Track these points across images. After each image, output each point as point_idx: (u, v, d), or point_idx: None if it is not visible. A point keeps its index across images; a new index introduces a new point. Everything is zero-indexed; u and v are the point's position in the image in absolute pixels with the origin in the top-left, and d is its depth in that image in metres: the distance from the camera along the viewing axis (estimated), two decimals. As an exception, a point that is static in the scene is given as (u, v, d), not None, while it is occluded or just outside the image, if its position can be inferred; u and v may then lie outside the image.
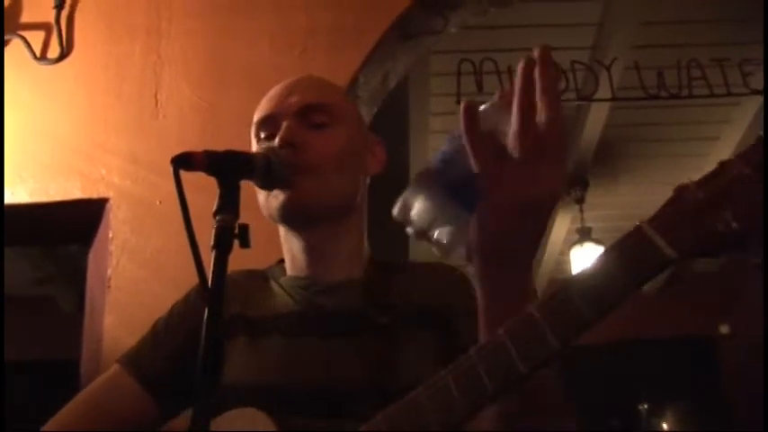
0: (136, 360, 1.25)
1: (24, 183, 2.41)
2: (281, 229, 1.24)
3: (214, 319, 0.82)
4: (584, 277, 0.80)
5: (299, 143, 1.14)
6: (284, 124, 1.17)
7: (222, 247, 0.88)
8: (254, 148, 1.22)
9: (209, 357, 0.79)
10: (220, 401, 1.01)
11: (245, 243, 0.90)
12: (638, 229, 0.80)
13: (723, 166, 0.76)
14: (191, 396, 1.00)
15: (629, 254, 0.79)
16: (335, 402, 1.06)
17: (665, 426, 6.83)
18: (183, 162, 0.93)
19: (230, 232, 0.90)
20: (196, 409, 0.79)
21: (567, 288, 0.78)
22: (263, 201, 1.18)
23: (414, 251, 5.83)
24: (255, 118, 1.24)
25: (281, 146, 1.13)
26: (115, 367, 1.27)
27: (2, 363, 2.46)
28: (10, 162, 2.43)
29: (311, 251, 1.20)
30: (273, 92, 1.26)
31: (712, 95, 3.65)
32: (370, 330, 1.13)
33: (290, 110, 1.19)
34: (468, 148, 0.87)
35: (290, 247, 1.23)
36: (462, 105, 0.89)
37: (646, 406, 6.83)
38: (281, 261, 1.28)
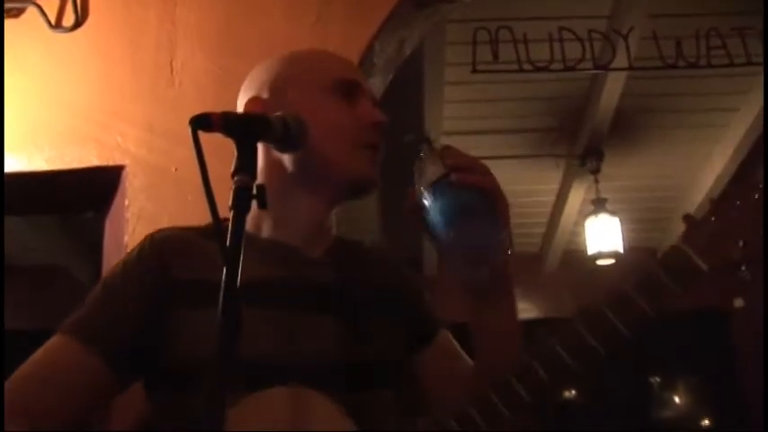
0: (93, 332, 1.14)
1: (40, 151, 2.42)
2: (288, 194, 1.20)
3: (232, 280, 0.82)
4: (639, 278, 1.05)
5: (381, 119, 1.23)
6: (374, 107, 1.23)
7: (240, 208, 0.88)
8: (332, 100, 1.21)
9: (229, 323, 0.79)
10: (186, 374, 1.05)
11: (263, 204, 0.90)
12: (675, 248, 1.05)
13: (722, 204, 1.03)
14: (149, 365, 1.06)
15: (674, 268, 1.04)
16: (315, 374, 1.07)
17: (677, 399, 6.84)
18: (201, 122, 0.93)
19: (248, 192, 0.90)
20: (215, 379, 0.78)
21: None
22: (338, 157, 1.19)
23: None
24: (335, 73, 1.23)
25: (383, 124, 1.21)
26: (62, 339, 1.14)
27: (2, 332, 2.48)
28: (25, 130, 2.43)
29: (320, 223, 1.23)
30: (342, 58, 1.31)
31: (732, 65, 3.60)
32: (346, 306, 1.17)
33: (373, 96, 1.26)
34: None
35: (297, 213, 1.21)
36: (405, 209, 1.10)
37: (658, 379, 6.84)
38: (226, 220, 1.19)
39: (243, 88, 1.30)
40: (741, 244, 0.98)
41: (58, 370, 1.11)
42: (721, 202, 1.02)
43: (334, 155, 1.18)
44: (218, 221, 0.86)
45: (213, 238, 1.03)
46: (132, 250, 1.23)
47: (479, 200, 1.08)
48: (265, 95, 1.23)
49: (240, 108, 1.27)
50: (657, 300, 1.00)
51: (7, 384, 1.10)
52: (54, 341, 1.14)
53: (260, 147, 1.09)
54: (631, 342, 1.01)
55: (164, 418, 1.11)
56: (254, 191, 0.90)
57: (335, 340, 1.12)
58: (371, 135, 1.20)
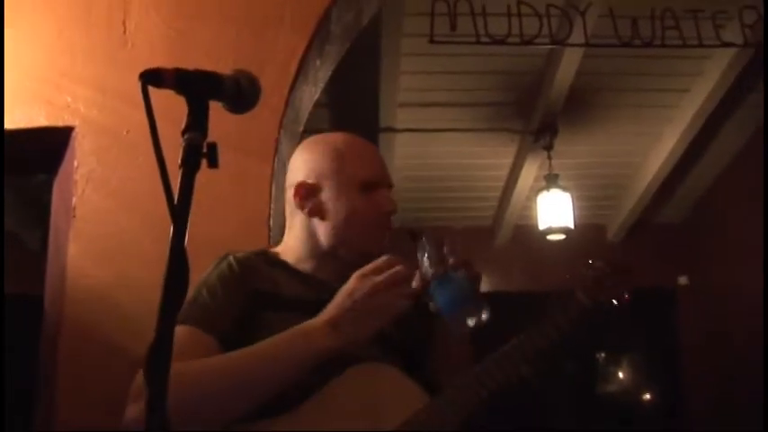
0: (211, 324, 1.40)
1: (-12, 109, 2.36)
2: (319, 254, 1.56)
3: (180, 237, 0.81)
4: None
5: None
6: (388, 194, 1.57)
7: (190, 165, 0.87)
8: (356, 194, 1.54)
9: (174, 273, 0.79)
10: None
11: (213, 162, 0.90)
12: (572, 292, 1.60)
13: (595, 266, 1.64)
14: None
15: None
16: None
17: (620, 374, 6.99)
18: (152, 78, 0.92)
19: (198, 150, 0.89)
20: (160, 325, 0.80)
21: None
22: (352, 237, 1.54)
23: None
24: (367, 174, 1.56)
25: (391, 212, 1.55)
26: (190, 330, 1.38)
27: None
28: (-28, 89, 2.37)
29: (343, 275, 1.47)
30: (372, 153, 1.63)
31: (685, 46, 3.66)
32: None
33: (388, 182, 1.59)
34: None
35: (333, 266, 1.55)
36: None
37: (603, 355, 6.97)
38: (269, 247, 1.69)
39: (291, 167, 1.63)
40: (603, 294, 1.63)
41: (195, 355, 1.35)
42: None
43: (354, 237, 1.53)
44: (165, 175, 0.85)
45: (271, 263, 1.54)
46: (221, 267, 1.51)
47: (472, 289, 1.40)
48: (311, 181, 1.56)
49: (290, 188, 1.59)
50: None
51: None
52: (183, 331, 1.33)
53: (300, 217, 1.56)
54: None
55: None
56: (205, 149, 0.90)
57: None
58: (383, 221, 1.55)
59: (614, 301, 1.63)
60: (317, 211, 1.54)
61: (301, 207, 1.55)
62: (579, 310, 1.56)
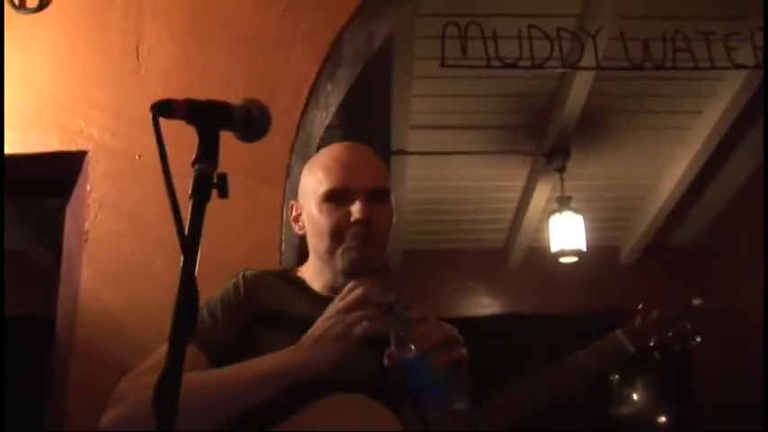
0: (205, 341, 1.41)
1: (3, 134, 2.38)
2: (328, 265, 1.53)
3: (190, 267, 0.81)
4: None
5: (370, 220, 1.48)
6: (360, 203, 1.48)
7: (200, 196, 0.88)
8: (321, 207, 1.51)
9: (184, 303, 0.79)
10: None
11: (223, 193, 0.90)
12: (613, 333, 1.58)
13: (647, 309, 1.62)
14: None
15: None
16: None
17: (634, 396, 6.93)
18: (163, 108, 0.92)
19: (208, 181, 0.89)
20: (171, 353, 0.80)
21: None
22: (328, 251, 1.50)
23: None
24: (327, 185, 1.50)
25: (359, 221, 1.46)
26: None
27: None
28: (-12, 113, 2.39)
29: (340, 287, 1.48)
30: (344, 161, 1.54)
31: (696, 68, 3.65)
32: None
33: (362, 189, 1.49)
34: None
35: (333, 279, 1.53)
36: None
37: (616, 377, 6.92)
38: (293, 269, 1.65)
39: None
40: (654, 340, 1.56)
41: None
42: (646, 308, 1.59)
43: (323, 254, 1.51)
44: (176, 207, 0.85)
45: (286, 281, 1.55)
46: (227, 286, 1.52)
47: (448, 377, 1.32)
48: (297, 201, 1.60)
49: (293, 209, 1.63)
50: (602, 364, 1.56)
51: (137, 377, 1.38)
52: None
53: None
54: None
55: None
56: (215, 179, 0.90)
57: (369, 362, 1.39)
58: (352, 234, 1.47)
59: (665, 349, 1.59)
60: (304, 229, 1.57)
61: (295, 227, 1.60)
62: (619, 355, 1.56)
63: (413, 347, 1.31)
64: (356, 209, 1.47)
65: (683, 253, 6.44)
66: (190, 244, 0.83)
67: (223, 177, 0.90)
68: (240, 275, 1.53)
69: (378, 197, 1.52)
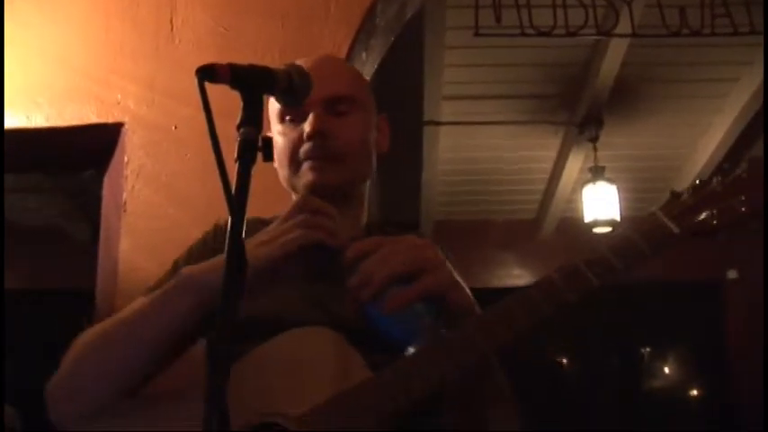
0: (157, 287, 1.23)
1: (40, 108, 2.41)
2: (294, 195, 1.34)
3: (238, 230, 0.82)
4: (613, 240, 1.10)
5: (327, 133, 1.27)
6: (312, 114, 1.27)
7: (245, 159, 0.88)
8: (278, 129, 1.31)
9: (232, 269, 0.79)
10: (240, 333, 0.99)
11: (268, 156, 0.90)
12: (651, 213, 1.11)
13: (704, 183, 1.14)
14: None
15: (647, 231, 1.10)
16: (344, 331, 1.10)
17: (666, 370, 6.89)
18: (207, 73, 0.92)
19: (253, 145, 0.90)
20: (219, 325, 0.79)
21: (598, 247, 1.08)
22: (288, 177, 1.31)
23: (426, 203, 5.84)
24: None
25: (310, 135, 1.26)
26: (141, 299, 1.23)
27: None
28: (25, 87, 2.42)
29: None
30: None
31: (736, 34, 3.57)
32: None
33: (317, 100, 1.26)
34: None
35: None
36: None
37: (648, 349, 6.89)
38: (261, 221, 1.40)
39: None
40: (714, 213, 1.12)
41: None
42: (701, 183, 1.15)
43: (287, 184, 1.33)
44: (224, 171, 0.85)
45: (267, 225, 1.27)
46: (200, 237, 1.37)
47: (411, 317, 1.03)
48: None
49: None
50: (629, 258, 1.10)
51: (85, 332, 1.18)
52: (135, 301, 1.22)
53: None
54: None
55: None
56: (260, 143, 0.90)
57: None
58: (306, 150, 1.28)
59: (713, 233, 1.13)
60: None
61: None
62: (660, 238, 1.08)
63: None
64: (308, 122, 1.27)
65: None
66: (237, 206, 0.83)
67: (268, 141, 0.90)
68: (213, 224, 1.38)
69: (339, 107, 1.31)
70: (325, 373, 1.04)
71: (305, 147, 1.27)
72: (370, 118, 1.40)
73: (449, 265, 1.08)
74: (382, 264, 1.03)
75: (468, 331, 1.02)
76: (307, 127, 1.26)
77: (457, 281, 1.07)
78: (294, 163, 1.29)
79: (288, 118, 1.30)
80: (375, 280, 1.02)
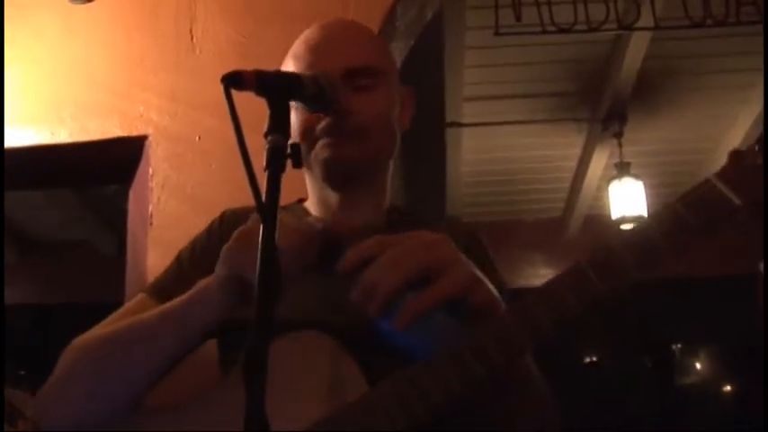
0: (163, 289, 1.21)
1: (63, 123, 2.42)
2: (313, 177, 1.28)
3: (270, 238, 0.80)
4: (655, 221, 0.88)
5: (346, 109, 1.17)
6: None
7: (275, 167, 0.86)
8: (293, 108, 1.21)
9: (267, 278, 0.77)
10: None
11: (297, 163, 0.88)
12: (706, 181, 0.86)
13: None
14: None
15: (699, 202, 0.85)
16: (358, 335, 1.01)
17: (698, 365, 6.83)
18: (233, 81, 0.91)
19: (282, 152, 0.88)
20: (255, 333, 0.76)
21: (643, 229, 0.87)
22: (304, 155, 1.20)
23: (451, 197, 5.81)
24: (295, 69, 1.24)
25: (327, 116, 1.17)
26: (141, 296, 1.23)
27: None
28: (48, 103, 2.43)
29: (343, 202, 1.25)
30: (313, 42, 1.27)
31: (763, 22, 3.52)
32: None
33: (336, 71, 1.18)
34: None
35: (322, 195, 1.28)
36: None
37: (679, 346, 6.82)
38: (300, 200, 1.36)
39: None
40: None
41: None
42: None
43: (305, 162, 1.22)
44: (253, 180, 0.83)
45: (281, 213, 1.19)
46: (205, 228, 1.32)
47: (427, 329, 0.88)
48: None
49: None
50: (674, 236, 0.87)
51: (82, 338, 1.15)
52: (134, 299, 1.22)
53: None
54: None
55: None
56: (289, 150, 0.88)
57: None
58: (323, 126, 1.20)
59: None
60: None
61: None
62: (721, 212, 0.85)
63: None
64: None
65: (747, 216, 6.29)
66: (269, 214, 0.81)
67: (297, 148, 0.88)
68: (222, 214, 1.33)
69: (361, 80, 1.22)
70: (315, 384, 0.94)
71: (322, 123, 1.19)
72: (394, 91, 1.30)
73: (465, 259, 0.92)
74: (388, 270, 0.87)
75: (480, 339, 0.87)
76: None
77: (478, 277, 0.91)
78: (310, 141, 1.21)
79: None
80: (380, 292, 0.86)
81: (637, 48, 4.42)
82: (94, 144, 2.40)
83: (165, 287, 1.21)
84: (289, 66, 1.28)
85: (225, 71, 0.91)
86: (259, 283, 0.77)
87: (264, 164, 0.87)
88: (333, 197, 1.25)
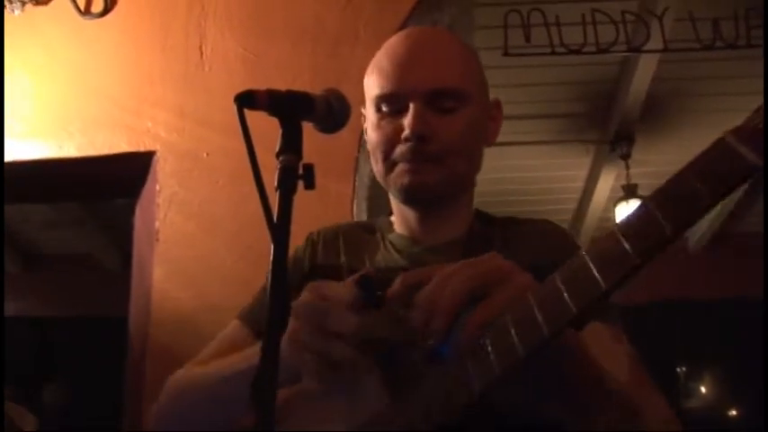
0: (252, 314, 1.21)
1: (72, 138, 2.42)
2: (392, 196, 1.24)
3: (281, 260, 0.79)
4: (666, 190, 0.68)
5: (427, 135, 1.12)
6: (412, 109, 1.13)
7: (286, 187, 0.85)
8: (373, 119, 1.19)
9: (277, 298, 0.76)
10: None
11: (309, 184, 0.87)
12: (719, 140, 0.69)
13: None
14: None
15: (712, 164, 0.67)
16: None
17: (703, 389, 6.77)
18: (246, 100, 0.90)
19: (294, 172, 0.87)
20: (265, 347, 0.75)
21: (647, 203, 0.68)
22: (382, 175, 1.19)
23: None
24: (376, 90, 1.17)
25: (408, 138, 1.12)
26: (234, 323, 1.23)
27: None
28: (56, 117, 2.43)
29: (425, 220, 1.21)
30: (399, 57, 1.17)
31: (772, 44, 3.52)
32: None
33: (418, 92, 1.13)
34: None
35: (404, 214, 1.23)
36: None
37: (684, 368, 6.77)
38: (390, 214, 1.30)
39: None
40: None
41: (232, 347, 1.15)
42: None
43: (378, 170, 1.20)
44: (265, 200, 0.82)
45: (367, 230, 1.26)
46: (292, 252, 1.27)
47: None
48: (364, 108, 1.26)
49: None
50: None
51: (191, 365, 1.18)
52: (230, 326, 1.23)
53: None
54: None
55: None
56: (301, 170, 0.87)
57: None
58: (403, 151, 1.14)
59: None
60: None
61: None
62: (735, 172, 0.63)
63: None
64: (407, 121, 1.12)
65: (754, 239, 6.25)
66: (280, 236, 0.80)
67: (309, 168, 0.87)
68: (308, 235, 1.29)
69: (445, 103, 1.15)
70: None
71: (401, 147, 1.14)
72: (480, 112, 1.22)
73: (518, 268, 0.83)
74: (441, 289, 0.80)
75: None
76: (405, 126, 1.13)
77: (537, 284, 0.79)
78: (389, 163, 1.17)
79: (386, 110, 1.16)
80: (440, 309, 0.78)
81: (645, 69, 4.41)
82: (102, 159, 2.40)
83: (254, 313, 1.21)
84: (371, 76, 1.20)
85: (234, 88, 0.90)
86: (270, 306, 0.75)
87: (276, 184, 0.85)
88: (413, 215, 1.21)
